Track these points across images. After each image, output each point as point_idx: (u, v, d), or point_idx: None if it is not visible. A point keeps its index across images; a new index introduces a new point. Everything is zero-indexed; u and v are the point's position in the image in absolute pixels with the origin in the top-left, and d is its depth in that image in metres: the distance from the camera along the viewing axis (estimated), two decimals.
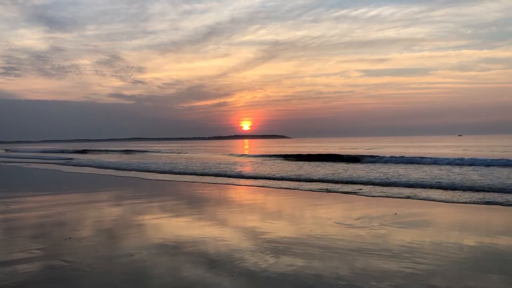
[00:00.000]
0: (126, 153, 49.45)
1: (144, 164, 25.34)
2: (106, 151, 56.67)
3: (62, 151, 57.32)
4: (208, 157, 35.92)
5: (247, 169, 20.32)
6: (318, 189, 12.20)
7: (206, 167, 21.53)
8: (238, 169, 20.44)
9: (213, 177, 16.88)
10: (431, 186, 12.16)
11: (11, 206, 9.43)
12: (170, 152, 48.10)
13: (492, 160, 20.48)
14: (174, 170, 20.29)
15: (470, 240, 5.85)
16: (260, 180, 15.54)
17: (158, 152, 50.22)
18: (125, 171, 20.91)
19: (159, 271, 4.61)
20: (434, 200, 9.70)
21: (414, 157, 23.95)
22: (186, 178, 16.95)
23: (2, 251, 5.51)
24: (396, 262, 4.86)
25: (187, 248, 5.63)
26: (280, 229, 6.80)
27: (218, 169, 20.19)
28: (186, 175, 18.09)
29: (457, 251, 5.30)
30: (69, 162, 30.37)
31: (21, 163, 30.62)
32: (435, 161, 22.22)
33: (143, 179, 16.71)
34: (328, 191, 11.76)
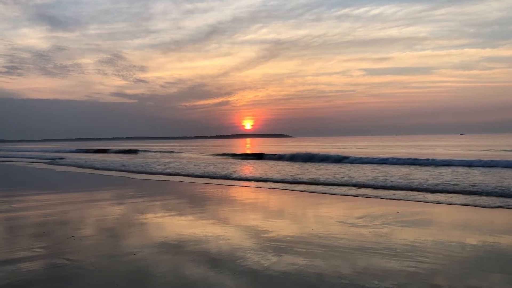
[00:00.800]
0: (117, 153, 48.05)
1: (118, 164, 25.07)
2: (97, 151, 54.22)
3: (58, 151, 56.62)
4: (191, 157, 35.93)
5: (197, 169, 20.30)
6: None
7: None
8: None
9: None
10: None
11: (14, 205, 9.45)
12: (155, 151, 47.71)
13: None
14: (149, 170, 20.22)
15: (472, 239, 5.84)
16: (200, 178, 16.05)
17: (146, 151, 49.29)
18: (108, 171, 20.72)
19: (162, 270, 4.61)
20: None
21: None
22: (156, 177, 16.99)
23: (5, 249, 5.52)
24: (398, 261, 4.86)
25: (189, 246, 5.63)
26: (282, 227, 6.79)
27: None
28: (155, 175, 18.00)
29: (460, 250, 5.29)
30: (56, 162, 29.56)
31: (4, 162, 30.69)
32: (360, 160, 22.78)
33: (128, 178, 16.74)
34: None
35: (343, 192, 11.11)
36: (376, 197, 10.16)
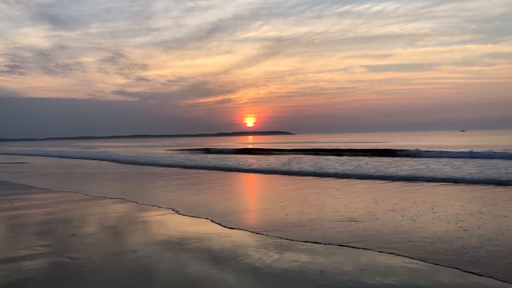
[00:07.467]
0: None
1: None
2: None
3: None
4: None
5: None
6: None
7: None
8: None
9: None
10: None
11: (16, 203, 9.47)
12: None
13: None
14: None
15: (475, 235, 5.81)
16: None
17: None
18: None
19: (164, 268, 4.61)
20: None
21: None
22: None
23: (7, 247, 5.53)
24: (400, 257, 4.84)
25: (191, 244, 5.63)
26: (284, 224, 6.77)
27: None
28: None
29: (467, 244, 5.26)
30: None
31: None
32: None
33: None
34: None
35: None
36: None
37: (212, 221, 7.10)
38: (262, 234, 6.14)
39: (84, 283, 4.16)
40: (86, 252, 5.25)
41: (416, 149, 25.69)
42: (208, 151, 40.11)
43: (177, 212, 8.03)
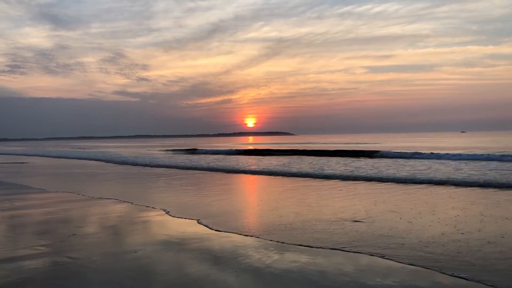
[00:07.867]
0: None
1: None
2: None
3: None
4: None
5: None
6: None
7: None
8: None
9: None
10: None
11: (16, 203, 9.47)
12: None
13: None
14: None
15: (475, 237, 5.80)
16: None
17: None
18: None
19: (164, 268, 4.61)
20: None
21: None
22: None
23: (7, 247, 5.53)
24: (401, 258, 4.83)
25: (191, 244, 5.63)
26: (284, 225, 6.77)
27: None
28: None
29: (463, 248, 5.26)
30: None
31: None
32: None
33: None
34: None
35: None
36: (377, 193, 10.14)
37: (199, 222, 7.07)
38: (251, 236, 6.08)
39: (84, 283, 4.16)
40: (86, 252, 5.25)
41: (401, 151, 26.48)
42: (194, 151, 40.91)
43: (167, 213, 8.01)
